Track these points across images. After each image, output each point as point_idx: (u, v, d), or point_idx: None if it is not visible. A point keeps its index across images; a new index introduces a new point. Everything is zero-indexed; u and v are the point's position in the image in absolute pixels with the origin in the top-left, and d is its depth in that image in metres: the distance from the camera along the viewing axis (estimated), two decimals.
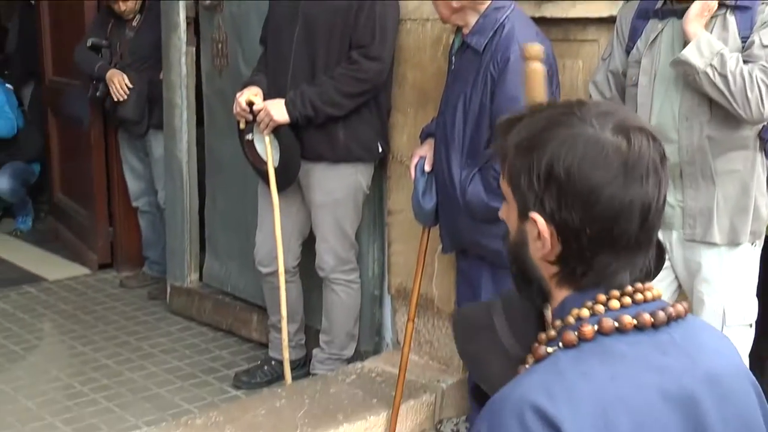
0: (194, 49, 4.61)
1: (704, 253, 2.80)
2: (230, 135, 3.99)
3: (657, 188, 1.13)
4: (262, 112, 3.44)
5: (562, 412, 1.05)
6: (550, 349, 1.15)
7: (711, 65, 2.59)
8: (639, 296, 1.16)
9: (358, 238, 3.73)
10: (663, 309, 1.17)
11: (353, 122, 3.48)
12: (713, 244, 2.78)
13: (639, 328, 1.14)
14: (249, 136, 3.59)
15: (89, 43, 4.85)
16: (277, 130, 3.46)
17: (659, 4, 2.83)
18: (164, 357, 4.23)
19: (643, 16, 2.87)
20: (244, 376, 3.91)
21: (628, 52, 2.91)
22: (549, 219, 1.13)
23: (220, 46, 4.38)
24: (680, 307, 1.19)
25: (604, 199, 1.10)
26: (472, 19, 2.93)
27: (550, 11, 3.23)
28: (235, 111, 3.55)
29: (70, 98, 5.55)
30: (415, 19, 3.54)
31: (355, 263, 3.72)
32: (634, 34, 2.89)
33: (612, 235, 1.12)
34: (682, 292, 3.00)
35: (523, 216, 1.17)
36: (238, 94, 3.54)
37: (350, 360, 3.79)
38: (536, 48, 1.73)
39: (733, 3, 2.66)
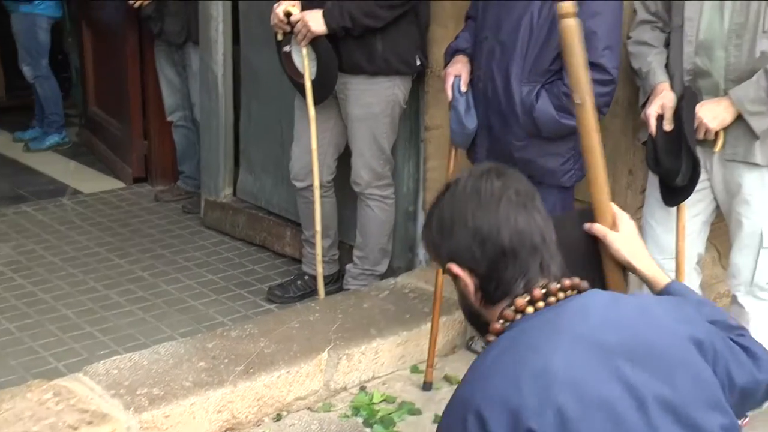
0: None
1: (745, 173, 2.74)
2: (267, 47, 3.93)
3: (508, 211, 1.45)
4: (299, 23, 3.37)
5: (490, 409, 1.31)
6: (491, 338, 1.47)
7: None
8: (551, 299, 1.45)
9: (393, 153, 3.69)
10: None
11: (392, 34, 3.41)
12: (755, 165, 2.71)
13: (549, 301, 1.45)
14: (287, 48, 3.53)
15: None
16: (315, 42, 3.40)
17: None
18: (198, 270, 4.26)
19: None
20: (277, 290, 3.93)
21: None
22: (459, 262, 1.48)
23: None
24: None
25: (476, 225, 1.45)
26: None
27: None
28: (272, 22, 3.48)
29: (105, 8, 5.50)
30: None
31: (390, 179, 3.68)
32: None
33: (492, 252, 1.44)
34: (719, 213, 2.94)
35: (452, 276, 1.51)
36: (275, 5, 3.47)
37: (383, 276, 3.78)
38: (568, 4, 1.72)
39: None
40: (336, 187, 3.79)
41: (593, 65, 2.74)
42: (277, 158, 4.26)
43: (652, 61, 2.87)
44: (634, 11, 3.00)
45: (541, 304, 1.44)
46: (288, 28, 3.44)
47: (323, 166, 3.63)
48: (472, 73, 3.05)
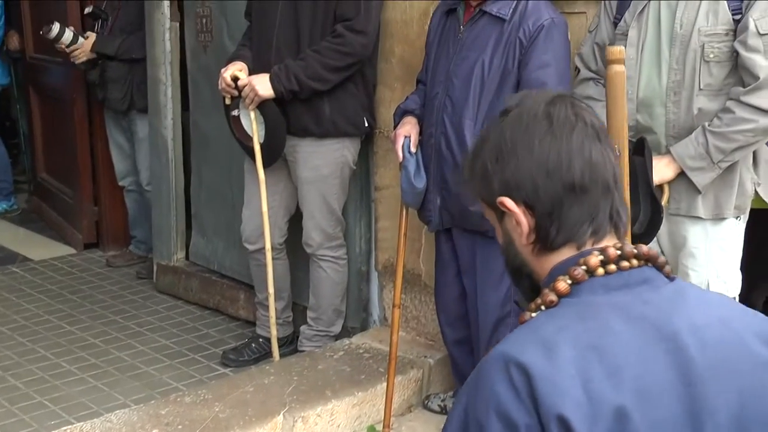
0: (178, 24, 4.56)
1: (689, 227, 2.80)
2: (216, 111, 3.95)
3: (583, 140, 1.25)
4: (247, 87, 3.41)
5: (541, 367, 1.11)
6: (534, 314, 1.23)
7: (716, 165, 2.65)
8: (624, 263, 1.23)
9: (345, 214, 3.71)
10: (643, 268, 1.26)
11: (339, 97, 3.45)
12: (698, 218, 2.77)
13: (615, 278, 1.23)
14: (235, 112, 3.56)
15: (88, 9, 4.81)
16: (263, 106, 3.43)
17: None
18: (152, 336, 4.21)
19: None
20: (231, 353, 3.90)
21: (615, 24, 2.89)
22: (515, 196, 1.26)
23: (204, 21, 4.34)
24: (667, 267, 1.28)
25: (544, 153, 1.23)
26: None
27: None
28: (220, 87, 3.51)
29: (52, 74, 5.50)
30: None
31: (342, 239, 3.70)
32: (622, 6, 2.87)
33: (564, 179, 1.23)
34: None
35: (499, 214, 1.30)
36: (222, 70, 3.50)
37: (338, 337, 3.78)
38: (618, 50, 1.73)
39: None
40: (288, 249, 3.80)
41: None
42: (228, 221, 4.27)
43: (600, 114, 2.94)
44: (576, 69, 3.08)
45: (613, 267, 1.23)
46: (236, 93, 3.47)
47: (275, 228, 3.64)
48: (421, 133, 3.11)
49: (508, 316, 3.05)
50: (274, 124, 3.45)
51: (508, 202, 1.26)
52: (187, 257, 4.72)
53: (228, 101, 3.55)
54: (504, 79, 2.89)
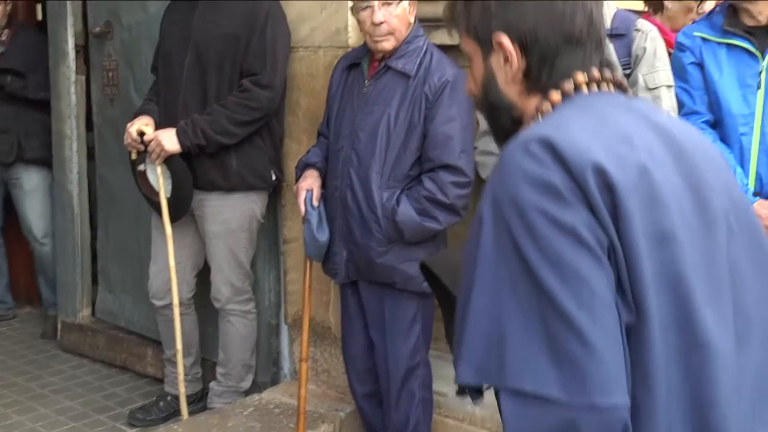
0: (84, 77, 4.50)
1: None
2: (122, 164, 3.90)
3: None
4: (153, 142, 3.38)
5: (559, 136, 1.15)
6: (531, 123, 1.28)
7: None
8: (604, 86, 1.31)
9: (253, 267, 3.68)
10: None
11: (246, 150, 3.44)
12: None
13: (599, 93, 1.30)
14: (141, 167, 3.51)
15: None
16: (169, 160, 3.40)
17: None
18: (55, 397, 4.07)
19: None
20: (139, 413, 3.80)
21: None
22: (512, 36, 1.29)
23: (111, 74, 4.30)
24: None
25: (549, 2, 1.28)
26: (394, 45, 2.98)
27: (441, 38, 3.28)
28: (126, 142, 3.47)
29: None
30: (307, 47, 3.54)
31: (250, 293, 3.67)
32: None
33: (564, 30, 1.28)
34: None
35: (487, 50, 1.33)
36: (128, 125, 3.47)
37: (248, 392, 3.72)
38: None
39: (608, 32, 2.74)
40: (196, 304, 3.74)
41: (451, 168, 2.87)
42: (136, 276, 4.19)
43: None
44: (477, 122, 3.15)
45: (595, 88, 1.30)
46: (142, 147, 3.43)
47: (182, 283, 3.58)
48: (323, 186, 3.12)
49: (417, 367, 3.06)
50: (180, 178, 3.42)
51: (505, 40, 1.29)
52: (93, 314, 4.60)
53: (134, 156, 3.51)
54: (410, 133, 2.93)
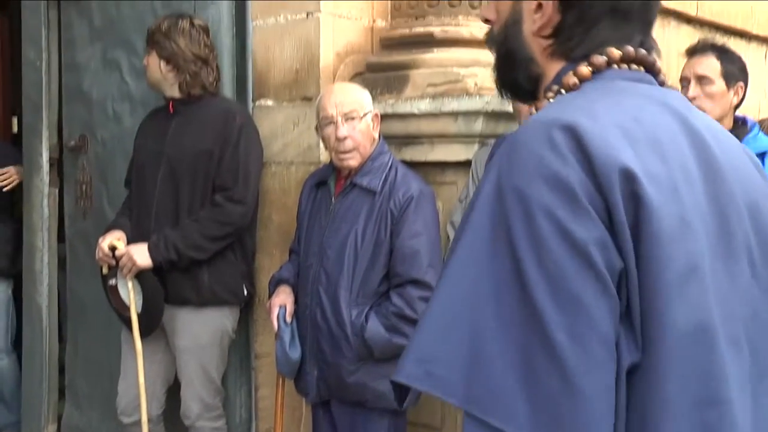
0: (57, 190, 4.52)
1: None
2: (93, 277, 3.88)
3: None
4: (124, 257, 3.37)
5: (587, 126, 1.00)
6: (551, 95, 1.14)
7: None
8: (637, 66, 1.17)
9: (224, 382, 3.64)
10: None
11: (218, 265, 3.45)
12: None
13: (629, 72, 1.16)
14: (112, 281, 3.50)
15: None
16: (140, 275, 3.39)
17: None
18: None
19: None
20: None
21: None
22: None
23: (84, 187, 4.32)
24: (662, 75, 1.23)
25: None
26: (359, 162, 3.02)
27: (411, 155, 3.34)
28: (97, 256, 3.47)
29: None
30: (279, 162, 3.59)
31: (221, 409, 3.61)
32: None
33: (612, 5, 1.14)
34: None
35: None
36: (100, 239, 3.47)
37: None
38: None
39: None
40: (166, 420, 3.67)
41: (419, 283, 2.88)
42: (104, 391, 4.11)
43: None
44: (448, 238, 3.18)
45: (632, 66, 1.17)
46: (113, 262, 3.43)
47: (152, 399, 3.52)
48: (296, 302, 3.11)
49: None
50: (151, 293, 3.41)
51: None
52: (59, 429, 4.49)
53: (105, 270, 3.50)
54: (377, 250, 2.95)
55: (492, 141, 3.11)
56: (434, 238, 2.99)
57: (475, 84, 3.24)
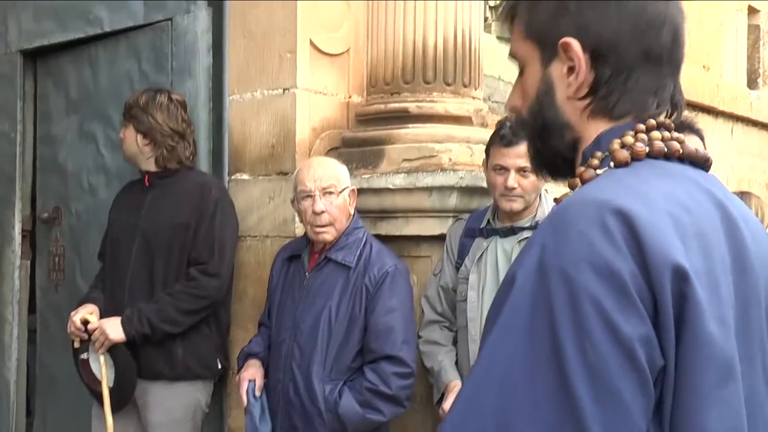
0: (29, 262, 4.49)
1: None
2: (64, 350, 3.83)
3: (678, 10, 1.14)
4: (97, 331, 3.34)
5: (642, 214, 0.97)
6: (600, 171, 1.10)
7: None
8: (676, 134, 1.15)
9: None
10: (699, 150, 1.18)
11: (192, 338, 3.42)
12: None
13: (683, 158, 1.13)
14: (84, 355, 3.46)
15: None
16: (113, 349, 3.36)
17: (483, 224, 3.01)
18: None
19: (469, 234, 3.05)
20: None
21: (457, 268, 3.05)
22: (585, 42, 1.11)
23: (57, 259, 4.30)
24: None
25: (640, 7, 1.10)
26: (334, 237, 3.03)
27: (386, 229, 3.37)
28: (69, 330, 3.43)
29: None
30: (254, 236, 3.60)
31: None
32: (463, 251, 3.05)
33: (645, 47, 1.10)
34: None
35: (549, 56, 1.15)
36: (72, 313, 3.44)
37: None
38: None
39: None
40: None
41: (393, 359, 2.87)
42: None
43: (443, 360, 3.03)
44: (422, 312, 3.19)
45: (666, 134, 1.13)
46: (85, 336, 3.39)
47: None
48: (267, 376, 3.10)
49: None
50: (124, 367, 3.37)
51: (576, 46, 1.11)
52: None
53: (77, 344, 3.46)
54: (351, 325, 2.95)
55: (466, 215, 3.15)
56: (409, 315, 3.00)
57: (450, 159, 3.29)
